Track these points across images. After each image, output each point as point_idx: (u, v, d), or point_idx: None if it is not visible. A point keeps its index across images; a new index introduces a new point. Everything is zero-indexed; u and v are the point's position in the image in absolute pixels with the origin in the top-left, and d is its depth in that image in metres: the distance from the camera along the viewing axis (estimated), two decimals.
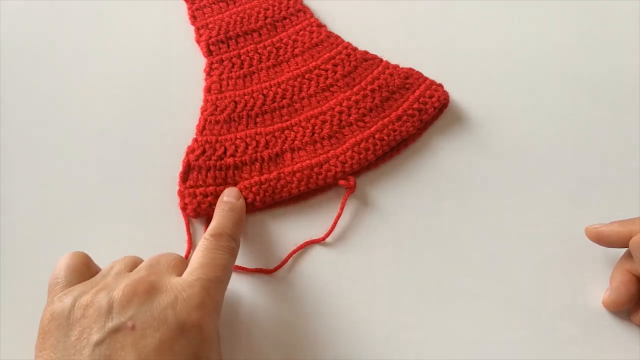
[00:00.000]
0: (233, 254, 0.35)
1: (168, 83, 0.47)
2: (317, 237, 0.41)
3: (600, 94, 0.47)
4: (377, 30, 0.49)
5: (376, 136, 0.43)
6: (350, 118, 0.44)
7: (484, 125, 0.45)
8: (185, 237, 0.41)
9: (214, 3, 0.49)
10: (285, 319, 0.39)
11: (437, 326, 0.39)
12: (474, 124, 0.45)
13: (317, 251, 0.41)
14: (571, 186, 0.43)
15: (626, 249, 0.38)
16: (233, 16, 0.48)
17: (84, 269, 0.34)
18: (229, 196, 0.40)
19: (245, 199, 0.41)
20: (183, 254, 0.41)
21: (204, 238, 0.35)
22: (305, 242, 0.41)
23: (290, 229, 0.42)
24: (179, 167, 0.42)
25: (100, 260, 0.36)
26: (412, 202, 0.43)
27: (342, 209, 0.42)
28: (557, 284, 0.40)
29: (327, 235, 0.41)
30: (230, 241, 0.35)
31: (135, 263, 0.34)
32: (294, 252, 0.41)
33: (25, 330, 0.37)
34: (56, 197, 0.43)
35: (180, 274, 0.33)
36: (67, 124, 0.45)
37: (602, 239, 0.38)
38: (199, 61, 0.47)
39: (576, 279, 0.40)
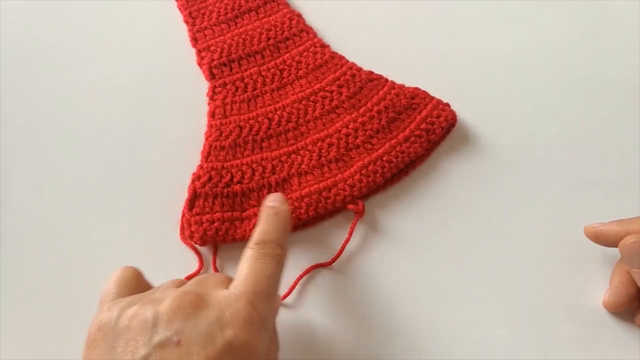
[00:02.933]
0: (279, 262, 0.34)
1: (170, 107, 0.46)
2: (325, 262, 0.41)
3: (617, 106, 0.46)
4: (381, 48, 0.49)
5: (384, 158, 0.42)
6: (357, 140, 0.43)
7: (492, 143, 0.45)
8: (195, 257, 0.41)
9: (215, 25, 0.49)
10: (293, 346, 0.39)
11: (440, 330, 0.39)
12: (481, 142, 0.45)
13: (326, 276, 0.41)
14: (579, 199, 0.43)
15: None
16: (235, 38, 0.48)
17: (135, 283, 0.33)
18: (273, 201, 0.37)
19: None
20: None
21: (248, 247, 0.34)
22: (311, 267, 0.41)
23: (299, 256, 0.41)
24: (183, 194, 0.42)
25: None
26: (422, 225, 0.42)
27: (350, 234, 0.41)
28: (558, 284, 0.40)
29: (334, 259, 0.41)
30: (275, 248, 0.34)
31: (183, 282, 0.34)
32: (300, 277, 0.40)
33: (25, 331, 0.39)
34: (56, 200, 0.43)
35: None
36: (63, 154, 0.45)
37: (601, 239, 0.38)
38: (202, 85, 0.46)
39: (577, 279, 0.40)
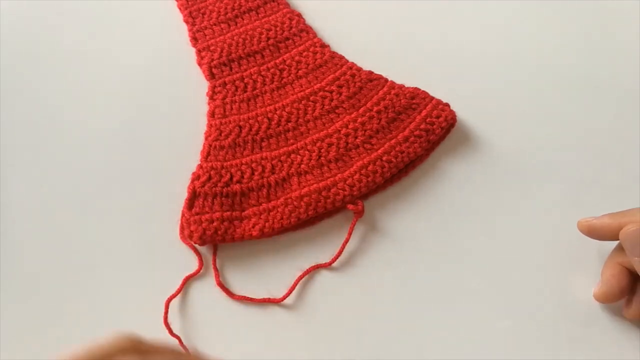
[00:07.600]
0: None
1: (170, 107, 0.46)
2: (325, 262, 0.41)
3: (614, 110, 0.46)
4: (381, 48, 0.49)
5: (384, 158, 0.42)
6: (357, 140, 0.43)
7: (492, 143, 0.45)
8: (194, 256, 0.41)
9: (215, 24, 0.48)
10: (293, 346, 0.39)
11: (439, 329, 0.39)
12: (481, 143, 0.45)
13: (325, 277, 0.41)
14: (578, 199, 0.43)
15: (618, 241, 0.38)
16: (235, 38, 0.47)
17: None
18: None
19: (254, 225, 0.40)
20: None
21: None
22: (311, 267, 0.41)
23: (299, 256, 0.41)
24: (183, 193, 0.42)
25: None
26: (422, 225, 0.42)
27: (350, 234, 0.41)
28: (558, 284, 0.40)
29: (334, 260, 0.41)
30: None
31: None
32: (300, 278, 0.40)
33: (25, 330, 0.39)
34: (56, 200, 0.43)
35: None
36: (63, 154, 0.45)
37: (594, 232, 0.38)
38: (201, 84, 0.46)
39: (576, 279, 0.40)
